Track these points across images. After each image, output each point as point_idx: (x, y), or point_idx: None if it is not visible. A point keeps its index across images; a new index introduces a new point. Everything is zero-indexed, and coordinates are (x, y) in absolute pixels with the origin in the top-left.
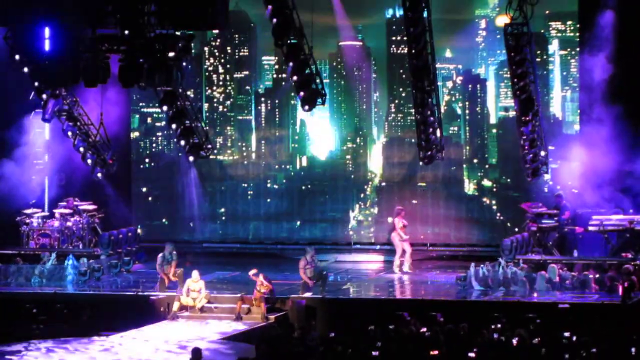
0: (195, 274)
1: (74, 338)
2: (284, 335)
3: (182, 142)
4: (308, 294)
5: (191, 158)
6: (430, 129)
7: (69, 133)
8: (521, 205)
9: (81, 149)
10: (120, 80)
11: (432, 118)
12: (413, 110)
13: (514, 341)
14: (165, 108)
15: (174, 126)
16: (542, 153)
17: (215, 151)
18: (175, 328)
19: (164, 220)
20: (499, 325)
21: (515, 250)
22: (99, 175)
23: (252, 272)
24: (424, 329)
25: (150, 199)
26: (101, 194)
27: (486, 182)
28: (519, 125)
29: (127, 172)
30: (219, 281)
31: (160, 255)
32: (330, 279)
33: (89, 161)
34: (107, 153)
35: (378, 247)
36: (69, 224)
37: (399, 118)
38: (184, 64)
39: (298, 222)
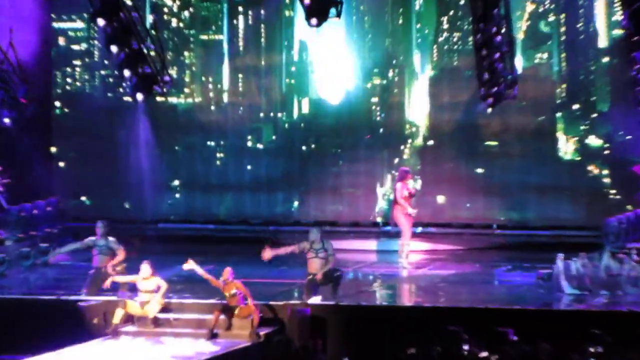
0: (145, 267)
1: None
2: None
3: (127, 73)
4: (315, 299)
5: (140, 97)
6: (497, 54)
7: None
8: (633, 169)
9: None
10: None
11: (499, 37)
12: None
13: None
14: (101, 22)
15: (114, 49)
16: None
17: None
18: (114, 349)
19: (99, 190)
20: (599, 349)
21: (625, 235)
22: (6, 120)
23: (188, 266)
24: (485, 354)
25: (77, 160)
26: (9, 150)
27: (593, 140)
28: (631, 49)
29: (47, 119)
30: (182, 280)
31: (91, 239)
32: (346, 277)
33: None
34: (20, 89)
35: (419, 229)
36: None
37: (454, 40)
38: None
39: (296, 202)
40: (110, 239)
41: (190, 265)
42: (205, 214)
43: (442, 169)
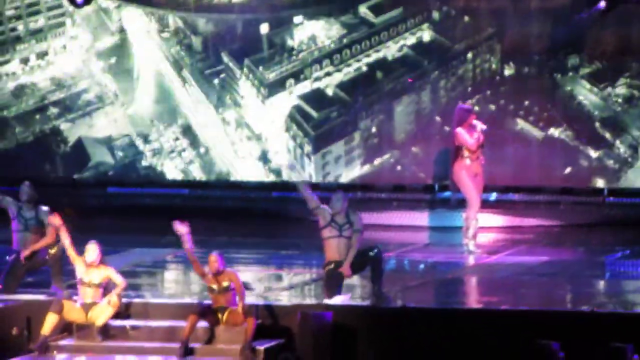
0: (92, 250)
1: None
2: None
3: None
4: (339, 299)
5: None
6: None
7: None
8: None
9: None
10: None
11: None
12: None
13: None
14: None
15: None
16: None
17: None
18: None
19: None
20: None
21: None
22: None
23: (182, 229)
24: None
25: None
26: None
27: None
28: None
29: None
30: (144, 270)
31: (11, 201)
32: (387, 261)
33: None
34: None
35: (494, 196)
36: None
37: None
38: None
39: (312, 157)
40: (43, 208)
41: (183, 228)
42: (174, 174)
43: (524, 106)
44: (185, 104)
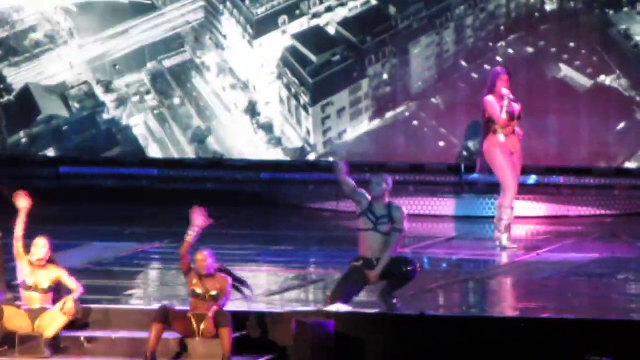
0: (41, 245)
1: None
2: None
3: None
4: (341, 307)
5: None
6: None
7: None
8: None
9: None
10: None
11: None
12: None
13: None
14: None
15: None
16: None
17: None
18: None
19: None
20: None
21: None
22: None
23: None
24: None
25: None
26: None
27: None
28: None
29: None
30: (105, 270)
31: None
32: (418, 275)
33: None
34: None
35: (533, 179)
36: None
37: None
38: None
39: (311, 129)
40: None
41: (202, 220)
42: (140, 151)
43: (569, 49)
44: (155, 45)
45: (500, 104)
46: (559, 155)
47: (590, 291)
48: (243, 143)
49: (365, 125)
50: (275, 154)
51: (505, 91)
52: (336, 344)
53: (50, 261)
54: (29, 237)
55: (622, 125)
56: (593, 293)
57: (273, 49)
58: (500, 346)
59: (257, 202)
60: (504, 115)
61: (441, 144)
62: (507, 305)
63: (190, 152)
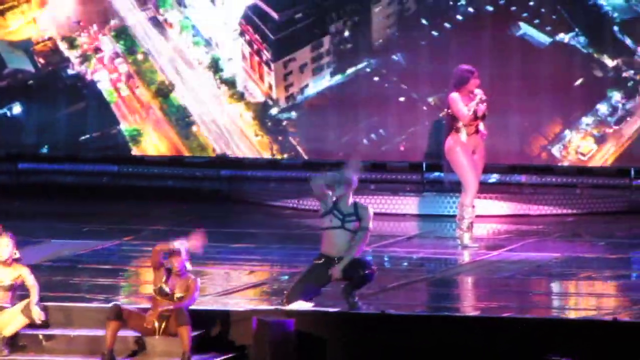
0: (4, 244)
1: None
2: None
3: None
4: (302, 305)
5: None
6: None
7: None
8: None
9: None
10: None
11: None
12: None
13: None
14: None
15: None
16: None
17: None
18: None
19: None
20: None
21: None
22: None
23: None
24: None
25: None
26: None
27: None
28: None
29: None
30: (65, 267)
31: None
32: (374, 278)
33: None
34: None
35: (494, 177)
36: None
37: None
38: None
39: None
40: None
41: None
42: (106, 85)
43: (529, 7)
44: (119, 2)
45: (467, 102)
46: (519, 154)
47: (551, 291)
48: (206, 97)
49: (326, 80)
50: (238, 108)
51: (478, 91)
52: (297, 343)
53: (16, 260)
54: None
55: (579, 81)
56: (554, 293)
57: (235, 6)
58: (462, 345)
59: (217, 199)
60: (470, 113)
61: (401, 99)
62: (469, 304)
63: (155, 107)
